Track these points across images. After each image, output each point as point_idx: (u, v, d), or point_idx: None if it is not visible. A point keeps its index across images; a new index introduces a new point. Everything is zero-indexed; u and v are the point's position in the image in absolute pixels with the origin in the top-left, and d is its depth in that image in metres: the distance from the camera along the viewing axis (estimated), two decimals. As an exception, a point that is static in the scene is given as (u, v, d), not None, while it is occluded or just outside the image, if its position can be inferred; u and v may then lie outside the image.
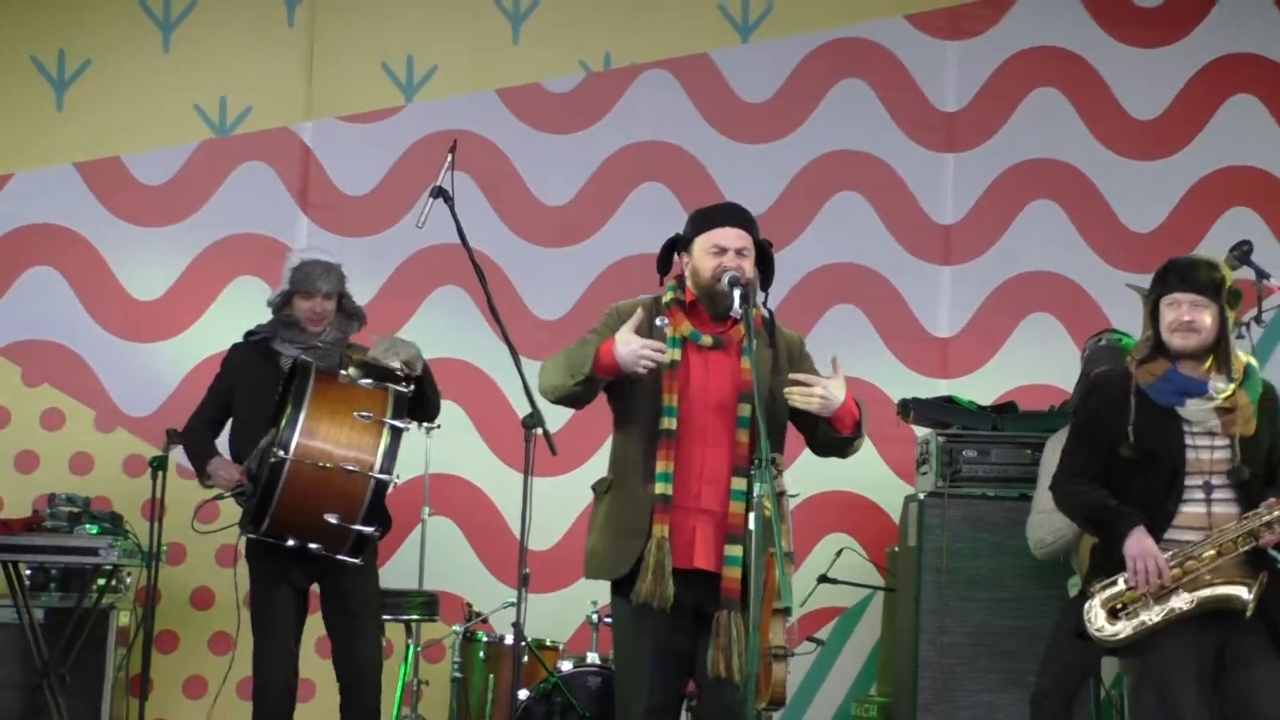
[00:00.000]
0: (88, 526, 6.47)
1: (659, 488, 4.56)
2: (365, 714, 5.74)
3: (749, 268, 4.65)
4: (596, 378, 4.56)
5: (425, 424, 6.19)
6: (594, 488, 4.80)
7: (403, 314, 7.38)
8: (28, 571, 6.61)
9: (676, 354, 4.61)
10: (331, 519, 5.35)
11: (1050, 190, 7.82)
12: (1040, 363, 7.57)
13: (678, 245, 4.77)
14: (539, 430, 5.27)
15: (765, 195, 7.62)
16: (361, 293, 7.13)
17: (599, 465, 4.88)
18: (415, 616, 6.53)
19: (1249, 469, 4.67)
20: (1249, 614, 4.57)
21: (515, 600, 5.78)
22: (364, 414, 5.40)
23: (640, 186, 7.66)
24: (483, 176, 7.61)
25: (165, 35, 7.64)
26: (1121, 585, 4.67)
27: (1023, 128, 7.84)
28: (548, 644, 6.55)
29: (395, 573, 6.91)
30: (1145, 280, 4.94)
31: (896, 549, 6.96)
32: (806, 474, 7.02)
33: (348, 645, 5.74)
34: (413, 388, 5.61)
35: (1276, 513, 4.60)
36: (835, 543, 7.23)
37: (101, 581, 6.54)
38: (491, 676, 6.45)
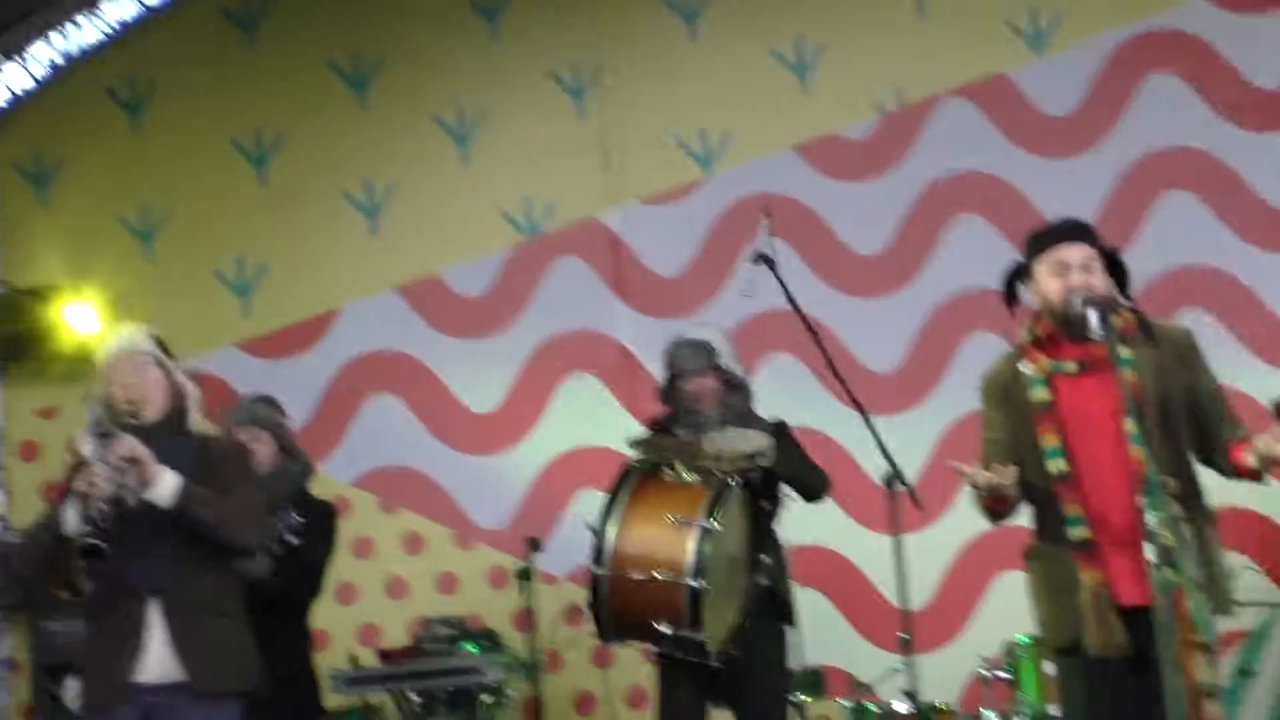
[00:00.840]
0: (467, 646, 6.58)
1: (1075, 533, 4.41)
2: None
3: (1098, 282, 4.46)
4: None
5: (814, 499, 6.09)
6: (1025, 556, 4.66)
7: (734, 388, 7.38)
8: (417, 699, 6.80)
9: (1045, 394, 4.49)
10: (664, 629, 5.19)
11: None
12: None
13: (1020, 275, 4.61)
14: (902, 487, 5.17)
15: (1086, 208, 7.32)
16: (689, 374, 7.25)
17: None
18: (803, 697, 6.48)
19: None
20: None
21: (901, 666, 5.71)
22: (676, 517, 5.22)
23: (955, 219, 7.56)
24: (793, 235, 7.50)
25: (463, 148, 7.85)
26: None
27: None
28: (944, 708, 6.41)
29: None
30: None
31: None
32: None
33: None
34: (743, 481, 5.41)
35: None
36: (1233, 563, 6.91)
37: (487, 699, 6.67)
38: (884, 748, 6.37)
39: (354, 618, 7.43)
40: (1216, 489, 6.25)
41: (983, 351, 6.10)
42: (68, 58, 7.79)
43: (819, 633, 6.97)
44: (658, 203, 7.76)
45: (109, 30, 7.79)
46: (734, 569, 5.48)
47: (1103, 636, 4.35)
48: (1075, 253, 4.49)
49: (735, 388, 5.78)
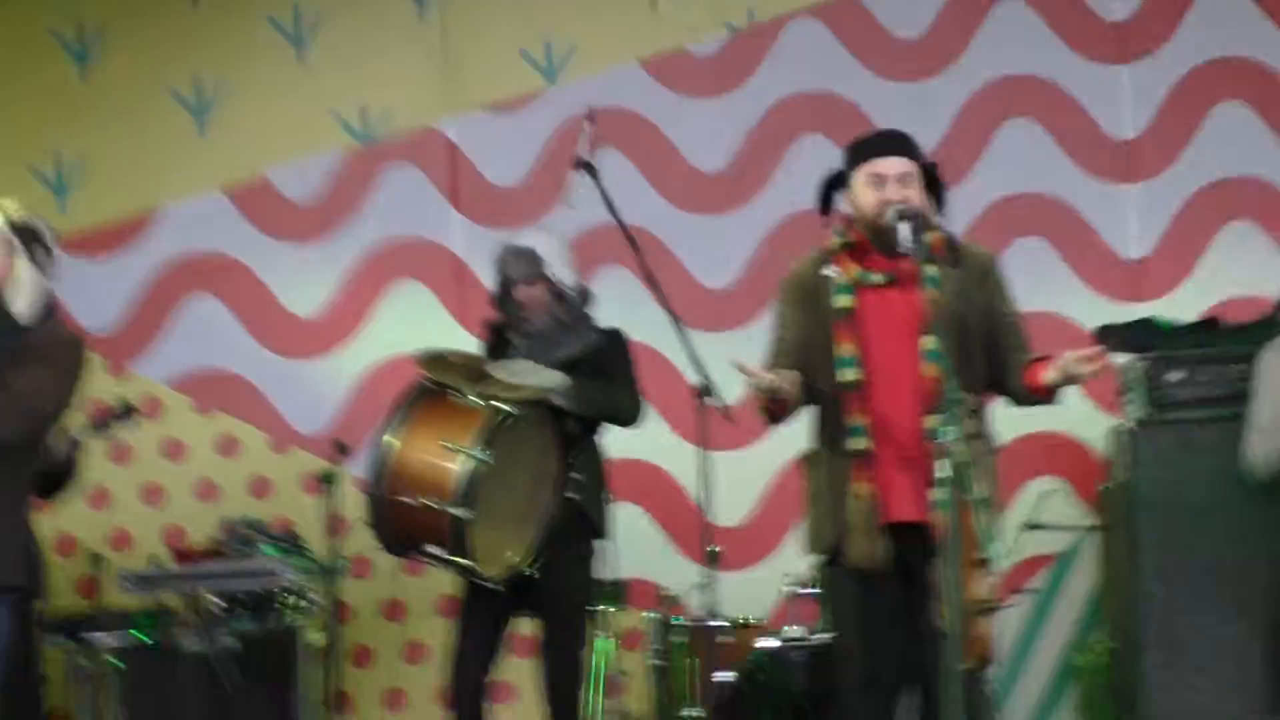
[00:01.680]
0: (265, 549, 6.59)
1: (854, 443, 4.48)
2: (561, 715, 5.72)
3: (915, 196, 4.52)
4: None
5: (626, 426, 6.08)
6: (802, 459, 4.75)
7: (569, 300, 7.38)
8: (219, 602, 6.77)
9: (848, 300, 4.53)
10: (435, 551, 5.30)
11: (1236, 90, 7.53)
12: (1244, 273, 7.30)
13: (836, 183, 4.66)
14: (709, 400, 5.19)
15: (932, 132, 7.38)
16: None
17: (785, 435, 4.80)
18: (602, 606, 6.51)
19: None
20: None
21: (705, 580, 5.77)
22: (448, 443, 5.27)
23: (799, 140, 7.55)
24: (635, 150, 7.59)
25: (297, 49, 7.75)
26: None
27: (1199, 27, 7.56)
28: (750, 620, 6.48)
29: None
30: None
31: (1108, 486, 6.82)
32: (1005, 417, 6.94)
33: (546, 660, 5.74)
34: (519, 411, 5.41)
35: None
36: (1040, 486, 7.10)
37: (289, 601, 6.66)
38: (692, 660, 6.40)
39: (160, 520, 7.39)
40: (1026, 416, 6.42)
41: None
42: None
43: (635, 546, 7.03)
44: (498, 112, 7.71)
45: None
46: (530, 491, 5.52)
47: (865, 548, 4.45)
48: (894, 165, 4.55)
49: (564, 297, 5.79)
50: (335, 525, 6.33)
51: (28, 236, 4.74)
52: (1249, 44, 7.57)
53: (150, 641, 6.60)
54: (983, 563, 4.19)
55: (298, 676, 6.76)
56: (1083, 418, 7.13)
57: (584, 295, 5.92)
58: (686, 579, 6.56)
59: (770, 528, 7.21)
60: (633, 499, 7.23)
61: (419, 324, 7.43)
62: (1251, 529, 6.13)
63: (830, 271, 4.58)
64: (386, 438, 5.34)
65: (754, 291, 7.30)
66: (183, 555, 6.70)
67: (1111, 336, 6.58)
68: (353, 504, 6.39)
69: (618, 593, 6.61)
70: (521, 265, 5.77)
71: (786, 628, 6.32)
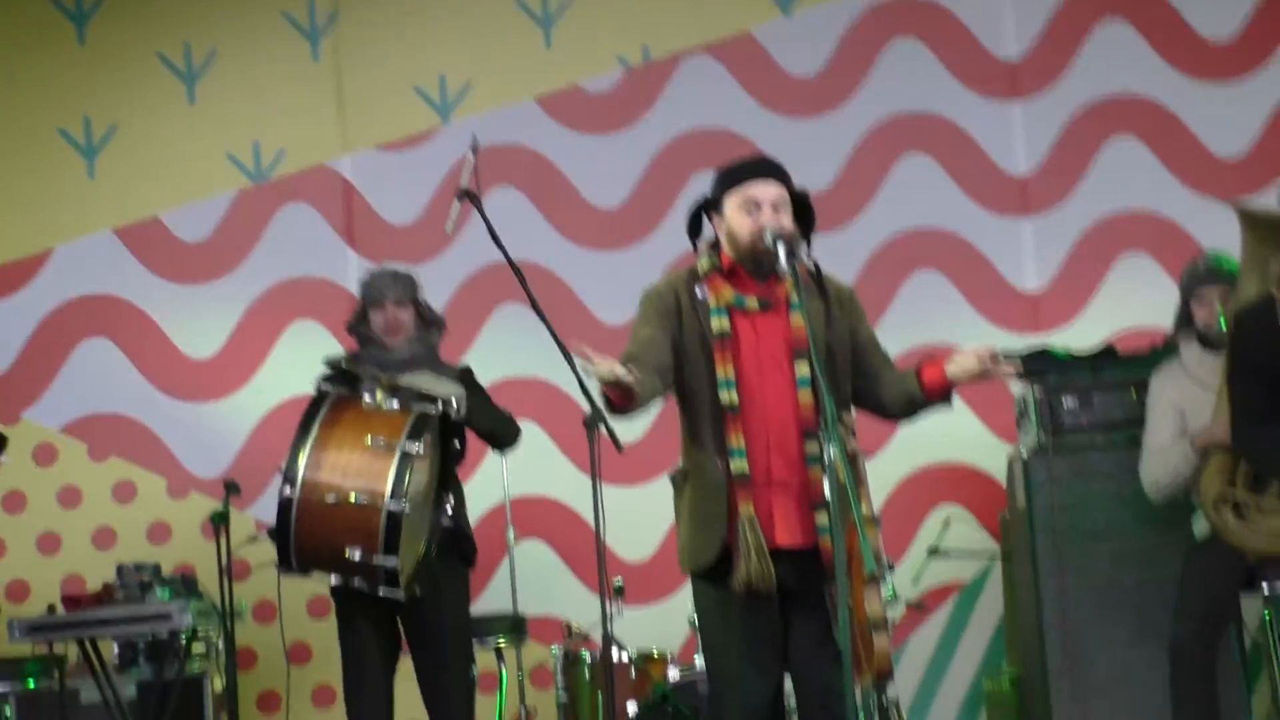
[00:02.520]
0: (159, 592, 6.54)
1: (735, 465, 4.51)
2: None
3: (788, 222, 4.56)
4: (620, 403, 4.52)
5: (504, 449, 6.20)
6: (672, 478, 4.76)
7: (465, 338, 7.43)
8: (115, 648, 6.75)
9: (725, 324, 4.58)
10: (354, 555, 5.22)
11: (1128, 125, 7.77)
12: (1139, 305, 7.50)
13: (708, 207, 4.69)
14: (601, 427, 5.27)
15: (828, 169, 7.66)
16: (421, 319, 7.31)
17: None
18: (502, 642, 6.58)
19: None
20: None
21: (606, 613, 5.82)
22: (376, 439, 5.28)
23: (695, 176, 7.63)
24: (530, 186, 7.71)
25: (189, 88, 7.80)
26: None
27: (1091, 64, 7.80)
28: (655, 655, 6.54)
29: (490, 602, 7.00)
30: (1248, 202, 4.90)
31: (1007, 514, 6.96)
32: (907, 447, 7.15)
33: (431, 684, 5.71)
34: (442, 410, 5.50)
35: None
36: (944, 513, 7.23)
37: (195, 647, 6.67)
38: (600, 694, 6.44)
39: (58, 568, 7.38)
40: (926, 446, 6.63)
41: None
42: None
43: (539, 581, 7.15)
44: (392, 150, 7.79)
45: None
46: (425, 504, 5.55)
47: (757, 569, 4.47)
48: (769, 191, 4.57)
49: (431, 325, 5.90)
50: (233, 568, 6.31)
51: None
52: (1140, 80, 7.79)
53: (43, 689, 6.56)
54: (873, 580, 4.25)
55: (206, 724, 6.78)
56: (982, 446, 7.33)
57: (441, 325, 6.01)
58: (592, 613, 6.57)
59: (676, 561, 7.24)
60: (536, 534, 7.36)
61: (317, 364, 7.45)
62: (1148, 553, 6.35)
63: (702, 293, 4.61)
64: (298, 443, 5.31)
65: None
66: (74, 602, 6.63)
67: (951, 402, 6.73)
68: (263, 550, 6.43)
69: (517, 627, 6.70)
70: (399, 286, 5.86)
71: (697, 658, 6.37)
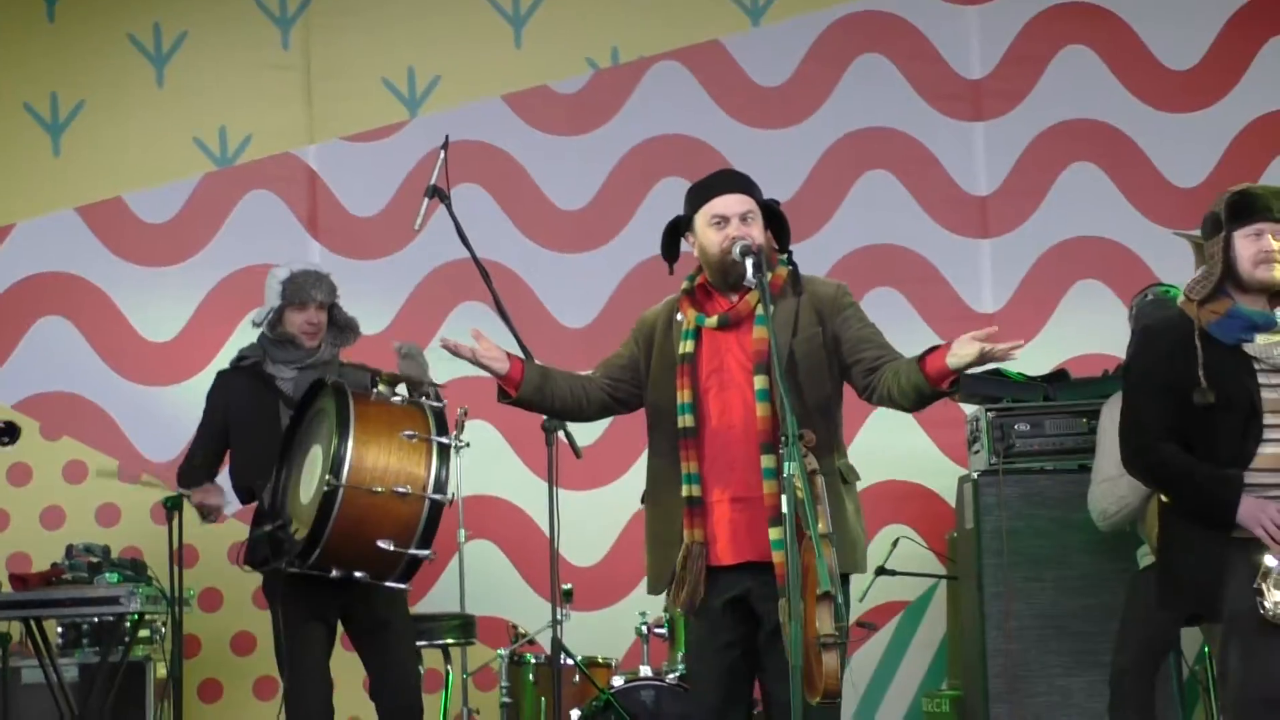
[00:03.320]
0: (108, 575, 6.48)
1: (685, 490, 4.52)
2: None
3: (757, 233, 4.54)
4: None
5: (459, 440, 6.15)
6: (643, 500, 4.78)
7: (426, 334, 7.27)
8: (59, 629, 6.67)
9: (690, 346, 4.56)
10: (386, 545, 5.24)
11: (1088, 151, 7.79)
12: (1092, 331, 7.51)
13: (681, 226, 4.67)
14: (560, 433, 5.24)
15: (791, 181, 7.63)
16: (381, 314, 7.27)
17: (641, 477, 4.82)
18: (450, 640, 6.52)
19: None
20: None
21: (555, 617, 5.80)
22: (409, 433, 5.30)
23: (660, 183, 7.64)
24: (495, 185, 7.66)
25: (158, 70, 7.72)
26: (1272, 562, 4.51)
27: (1054, 89, 7.82)
28: (600, 661, 6.50)
29: (436, 601, 6.96)
30: (1196, 234, 4.88)
31: (955, 535, 6.95)
32: (858, 465, 7.07)
33: (387, 678, 5.68)
34: (444, 402, 5.52)
35: None
36: (893, 533, 7.19)
37: (139, 633, 6.58)
38: (543, 699, 6.41)
39: (5, 546, 7.30)
40: (877, 465, 6.59)
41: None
42: None
43: (487, 583, 7.11)
44: (359, 141, 7.73)
45: None
46: None
47: (677, 595, 4.53)
48: (734, 204, 4.55)
49: (345, 327, 5.87)
50: (182, 555, 6.24)
51: None
52: (1101, 107, 7.82)
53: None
54: (826, 597, 4.19)
55: (147, 710, 6.71)
56: (933, 467, 7.34)
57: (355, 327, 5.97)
58: (540, 617, 6.50)
59: (625, 568, 7.20)
60: (487, 535, 7.32)
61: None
62: (1092, 581, 6.35)
63: (679, 317, 4.63)
64: (340, 433, 5.25)
65: (610, 331, 7.31)
66: (21, 581, 6.57)
67: (961, 387, 6.71)
68: (213, 537, 6.38)
69: (466, 628, 6.65)
70: (323, 288, 5.82)
71: (641, 666, 6.35)
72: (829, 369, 4.62)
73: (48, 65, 7.69)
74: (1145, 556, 5.97)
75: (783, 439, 4.18)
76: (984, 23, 7.86)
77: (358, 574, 5.33)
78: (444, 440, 5.31)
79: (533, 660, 6.52)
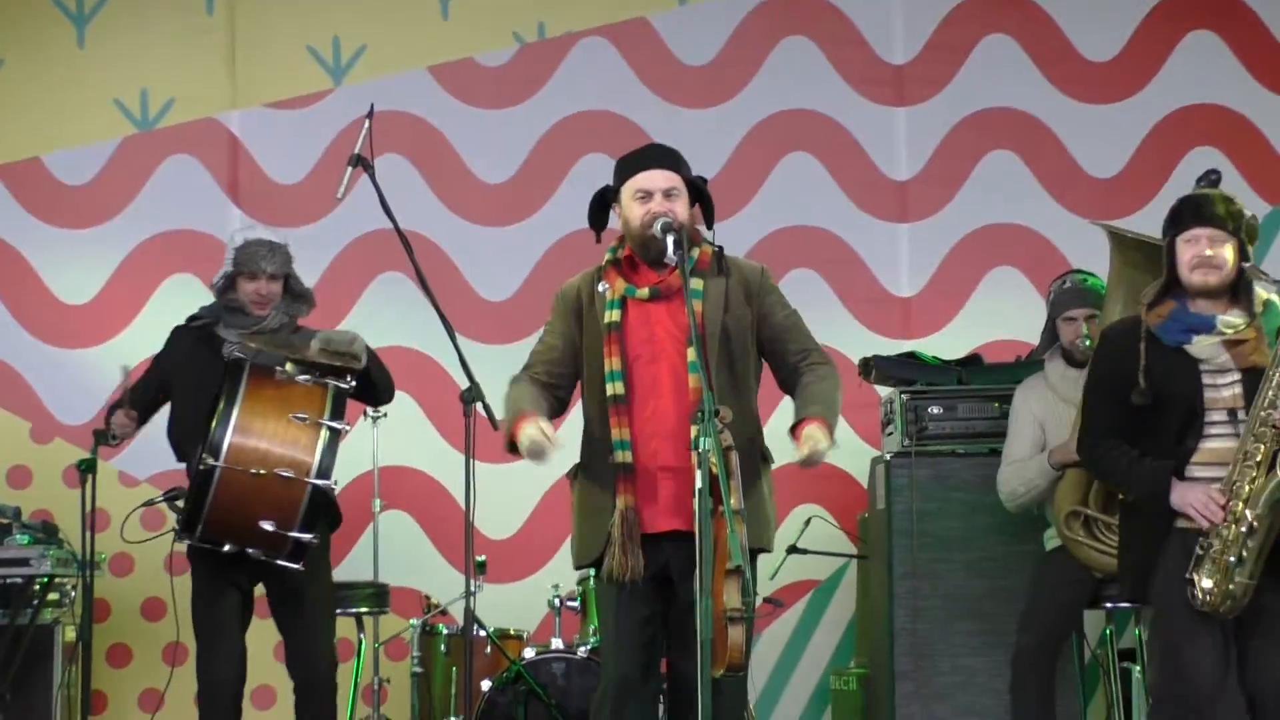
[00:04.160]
0: (18, 537, 6.43)
1: (618, 456, 4.55)
2: (320, 718, 5.71)
3: (681, 209, 4.59)
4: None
5: (375, 410, 6.17)
6: (570, 473, 4.80)
7: (344, 304, 7.36)
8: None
9: (616, 315, 4.60)
10: (267, 526, 5.27)
11: (1007, 140, 7.83)
12: (1006, 317, 7.58)
13: (607, 198, 4.72)
14: (478, 405, 5.24)
15: (713, 160, 7.59)
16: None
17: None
18: (364, 609, 6.52)
19: None
20: None
21: (468, 589, 5.81)
22: (299, 415, 5.31)
23: (583, 158, 7.64)
24: (419, 156, 7.63)
25: (79, 30, 7.63)
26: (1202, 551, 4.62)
27: (975, 77, 7.86)
28: (511, 633, 6.54)
29: (350, 570, 6.89)
30: (1117, 224, 4.96)
31: (867, 515, 7.00)
32: (772, 444, 7.11)
33: (298, 648, 5.70)
34: (355, 383, 5.53)
35: None
36: (805, 513, 7.20)
37: (49, 595, 6.53)
38: (455, 669, 6.44)
39: (-95, 505, 7.22)
40: (788, 441, 6.59)
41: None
42: None
43: (401, 553, 7.10)
44: (282, 108, 7.67)
45: None
46: None
47: (621, 562, 4.53)
48: (659, 179, 4.61)
49: (299, 298, 5.84)
50: (94, 518, 6.16)
51: None
52: (1021, 95, 7.87)
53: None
54: (736, 572, 4.23)
55: (54, 674, 6.65)
56: (846, 448, 7.18)
57: (310, 298, 5.95)
58: (453, 588, 6.55)
59: (539, 541, 7.26)
60: (402, 506, 7.30)
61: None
62: (999, 562, 6.42)
63: (602, 287, 4.66)
64: (224, 412, 5.30)
65: (531, 306, 7.35)
66: (-76, 542, 6.51)
67: (875, 368, 6.78)
68: (124, 501, 6.33)
69: (380, 597, 6.65)
70: (277, 260, 5.77)
71: (553, 639, 6.39)
72: (753, 349, 4.71)
73: (-35, 23, 7.59)
74: (1051, 539, 6.05)
75: (699, 415, 4.23)
76: (908, 9, 7.88)
77: (250, 550, 5.36)
78: (335, 425, 5.30)
79: (445, 631, 6.55)
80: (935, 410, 6.59)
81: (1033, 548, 6.22)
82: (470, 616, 5.70)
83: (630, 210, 4.62)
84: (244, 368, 5.43)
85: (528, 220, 7.66)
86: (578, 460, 4.77)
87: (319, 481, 5.28)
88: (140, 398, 5.87)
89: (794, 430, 4.65)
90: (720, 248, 4.68)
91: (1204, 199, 4.78)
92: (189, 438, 5.62)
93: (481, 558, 6.29)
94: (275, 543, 5.34)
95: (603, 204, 4.75)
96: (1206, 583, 4.59)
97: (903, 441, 6.58)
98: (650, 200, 4.58)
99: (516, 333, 7.28)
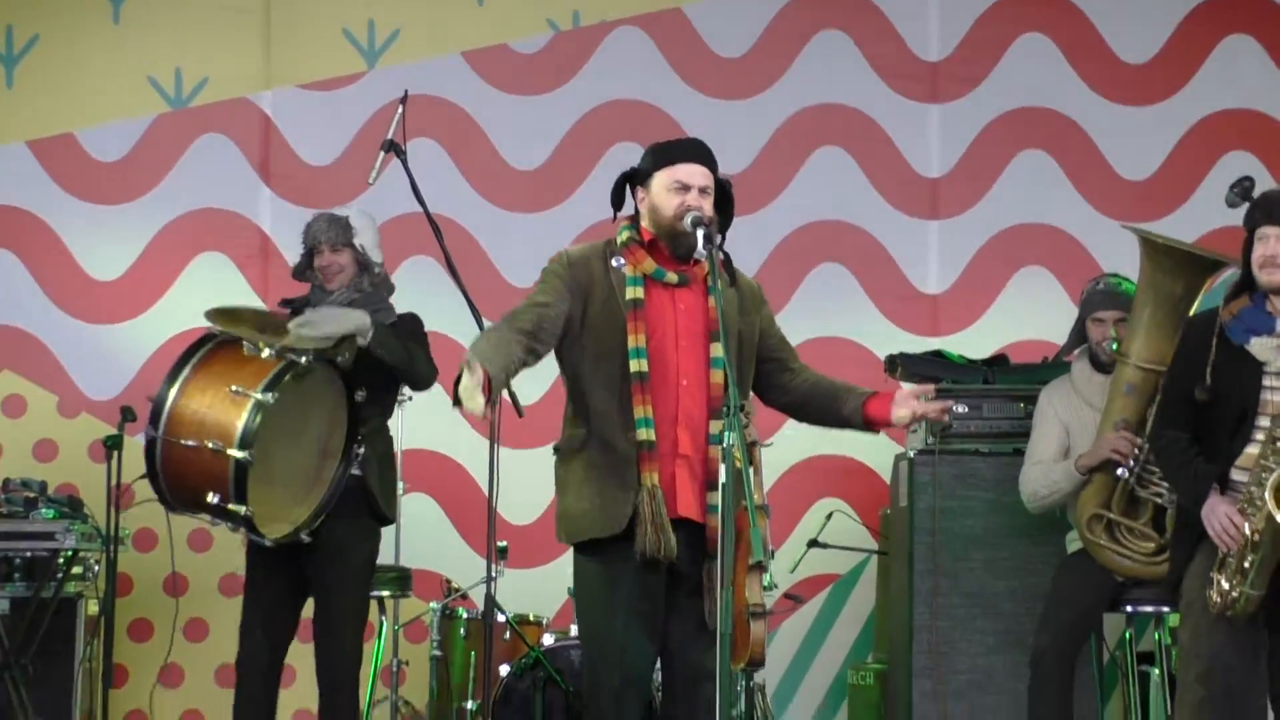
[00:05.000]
0: (44, 511, 6.45)
1: (642, 434, 4.47)
2: (338, 715, 5.68)
3: (709, 207, 4.58)
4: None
5: (400, 394, 6.18)
6: (559, 448, 4.70)
7: (373, 284, 7.40)
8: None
9: (640, 293, 4.58)
10: (213, 499, 5.22)
11: (1040, 139, 7.83)
12: (1034, 317, 7.58)
13: (634, 180, 4.70)
14: (504, 391, 5.24)
15: (745, 152, 7.67)
16: (330, 263, 7.23)
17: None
18: (386, 593, 6.54)
19: None
20: None
21: (490, 574, 5.84)
22: (236, 388, 5.24)
23: (614, 147, 7.63)
24: (450, 141, 7.65)
25: (116, 6, 7.65)
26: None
27: (1009, 75, 7.85)
28: (531, 619, 6.54)
29: (371, 552, 6.95)
30: (1149, 228, 4.95)
31: (889, 511, 7.00)
32: (796, 437, 7.15)
33: (322, 641, 5.66)
34: (363, 342, 5.46)
35: None
36: (826, 507, 7.24)
37: (74, 570, 6.56)
38: (473, 653, 6.45)
39: (-68, 479, 7.26)
40: (815, 439, 6.66)
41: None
42: None
43: (424, 536, 7.14)
44: (315, 90, 7.69)
45: None
46: (317, 455, 5.53)
47: (654, 540, 4.45)
48: (697, 175, 4.59)
49: (368, 269, 5.78)
50: (120, 494, 6.25)
51: None
52: (1056, 95, 7.86)
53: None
54: (757, 567, 4.25)
55: (76, 647, 6.69)
56: (870, 443, 7.22)
57: (386, 279, 5.92)
58: (474, 573, 6.54)
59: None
60: (425, 489, 7.33)
61: (220, 296, 7.27)
62: (1020, 562, 6.42)
63: (618, 264, 4.60)
64: (168, 383, 5.31)
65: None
66: (-50, 515, 6.54)
67: (901, 366, 6.79)
68: (139, 472, 6.36)
69: (403, 581, 6.68)
70: (333, 231, 5.75)
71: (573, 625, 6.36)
72: (753, 357, 4.73)
73: (3, -1, 7.63)
74: (1073, 541, 6.06)
75: (725, 410, 4.23)
76: (944, 6, 7.88)
77: (225, 525, 5.40)
78: (263, 398, 5.21)
79: (465, 615, 6.56)
80: (960, 409, 6.56)
81: (1054, 549, 6.23)
82: (490, 601, 5.78)
83: (662, 199, 4.59)
84: (206, 341, 5.43)
85: (558, 207, 7.67)
86: (571, 433, 4.66)
87: (238, 454, 5.18)
88: None
89: (867, 405, 4.69)
90: (728, 255, 4.65)
91: (1273, 197, 4.78)
92: None
93: (503, 543, 6.31)
94: (227, 516, 5.28)
95: (624, 184, 4.72)
96: (1225, 584, 4.63)
97: (926, 439, 6.58)
98: (687, 194, 4.56)
99: (542, 318, 7.29)
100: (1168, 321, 5.67)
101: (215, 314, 5.56)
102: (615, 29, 7.82)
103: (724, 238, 4.66)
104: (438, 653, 6.60)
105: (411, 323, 5.87)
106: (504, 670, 6.27)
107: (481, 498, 7.17)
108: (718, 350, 4.51)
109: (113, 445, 6.04)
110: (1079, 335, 6.25)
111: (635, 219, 4.70)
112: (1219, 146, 7.84)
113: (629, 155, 7.52)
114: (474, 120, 7.74)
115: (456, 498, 7.43)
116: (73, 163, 7.59)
